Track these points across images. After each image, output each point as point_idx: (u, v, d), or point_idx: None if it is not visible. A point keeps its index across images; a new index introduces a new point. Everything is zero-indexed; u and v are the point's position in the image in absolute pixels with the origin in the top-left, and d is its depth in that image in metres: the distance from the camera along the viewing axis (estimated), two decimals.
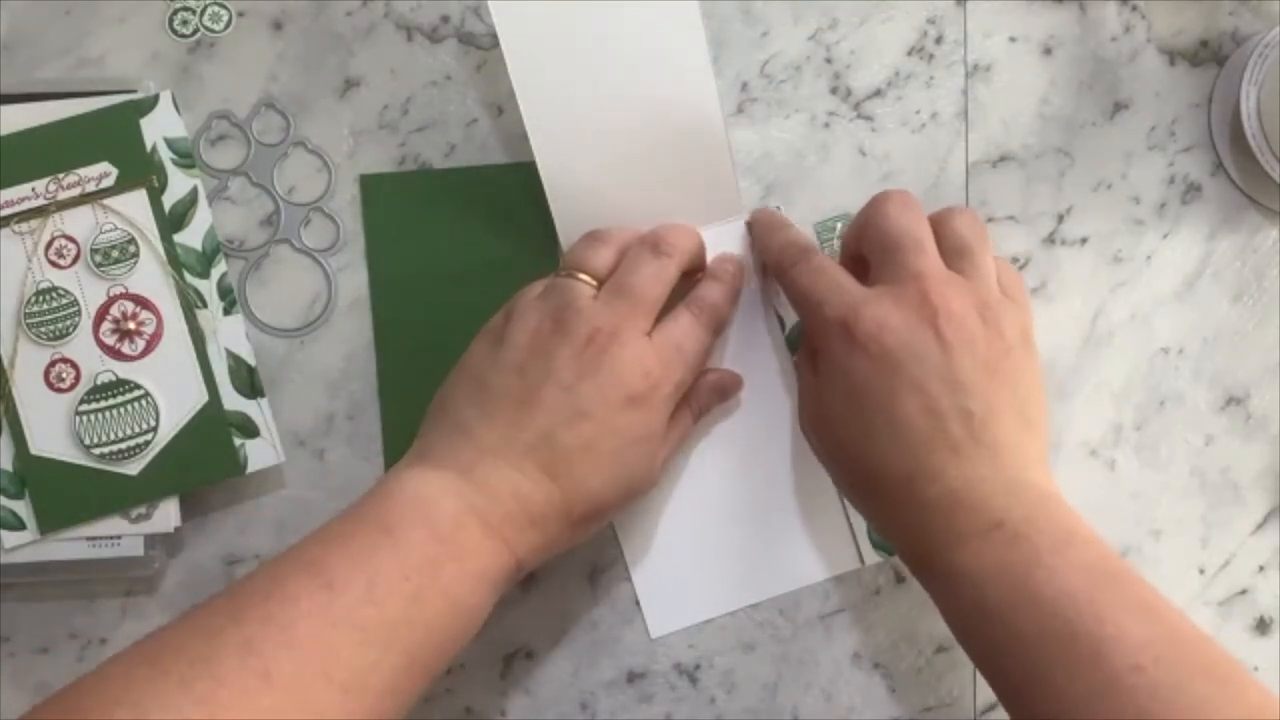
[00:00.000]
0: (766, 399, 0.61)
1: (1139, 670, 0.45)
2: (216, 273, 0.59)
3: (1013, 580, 0.47)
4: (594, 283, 0.54)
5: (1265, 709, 0.44)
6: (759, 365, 0.61)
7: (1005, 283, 0.54)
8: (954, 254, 0.53)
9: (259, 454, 0.59)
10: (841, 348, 0.52)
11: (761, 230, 0.60)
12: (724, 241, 0.61)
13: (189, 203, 0.59)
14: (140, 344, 0.58)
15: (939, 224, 0.54)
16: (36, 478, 0.57)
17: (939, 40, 0.63)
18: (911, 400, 0.50)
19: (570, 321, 0.52)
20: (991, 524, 0.48)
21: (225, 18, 0.61)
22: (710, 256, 0.59)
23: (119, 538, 0.58)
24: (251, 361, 0.59)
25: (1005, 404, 0.51)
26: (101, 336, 0.58)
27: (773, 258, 0.57)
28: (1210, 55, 0.63)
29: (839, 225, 0.62)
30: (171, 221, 0.59)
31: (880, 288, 0.52)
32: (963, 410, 0.50)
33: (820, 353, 0.53)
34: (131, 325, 0.58)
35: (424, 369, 0.61)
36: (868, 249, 0.54)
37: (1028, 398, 0.52)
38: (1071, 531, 0.49)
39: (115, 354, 0.58)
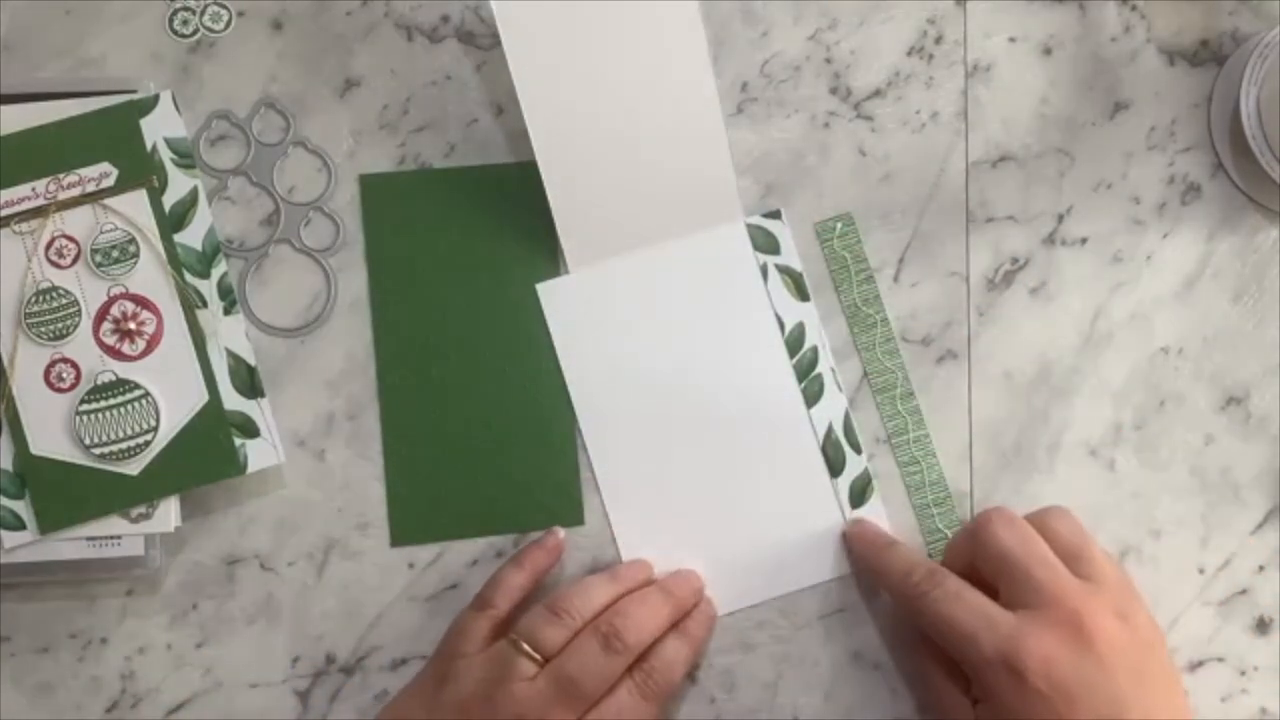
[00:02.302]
0: (765, 401, 0.61)
1: None
2: (216, 273, 0.59)
3: None
4: (539, 659, 0.55)
5: None
6: (757, 370, 0.61)
7: (1116, 575, 0.55)
8: (1070, 557, 0.54)
9: (259, 454, 0.59)
10: (1012, 690, 0.52)
11: (869, 550, 0.59)
12: (724, 243, 0.61)
13: (189, 203, 0.59)
14: (140, 344, 0.58)
15: (1043, 530, 0.55)
16: (36, 478, 0.57)
17: (939, 40, 0.63)
18: None
19: (499, 702, 0.53)
20: None
21: (225, 18, 0.61)
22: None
23: (119, 538, 0.58)
24: (252, 361, 0.59)
25: (1159, 704, 0.52)
26: (102, 336, 0.58)
27: (894, 584, 0.57)
28: (1210, 55, 0.63)
29: (839, 225, 0.62)
30: (171, 221, 0.59)
31: (1026, 613, 0.53)
32: None
33: (983, 689, 0.53)
34: (132, 325, 0.58)
35: (424, 369, 0.61)
36: (988, 573, 0.55)
37: (1172, 691, 0.54)
38: None
39: (115, 354, 0.58)
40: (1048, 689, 0.51)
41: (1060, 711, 0.51)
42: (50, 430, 0.57)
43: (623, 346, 0.61)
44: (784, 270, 0.62)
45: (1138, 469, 0.62)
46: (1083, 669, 0.51)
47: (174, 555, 0.60)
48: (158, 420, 0.58)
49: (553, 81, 0.59)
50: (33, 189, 0.58)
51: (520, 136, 0.60)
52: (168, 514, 0.58)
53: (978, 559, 0.55)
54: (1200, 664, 0.62)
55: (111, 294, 0.58)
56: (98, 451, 0.57)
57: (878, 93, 0.63)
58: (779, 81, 0.62)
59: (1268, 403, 0.62)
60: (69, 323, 0.58)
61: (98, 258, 0.58)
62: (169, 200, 0.59)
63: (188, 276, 0.59)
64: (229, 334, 0.59)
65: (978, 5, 0.63)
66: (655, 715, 0.56)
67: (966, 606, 0.54)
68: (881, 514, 0.61)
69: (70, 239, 0.58)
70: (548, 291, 0.61)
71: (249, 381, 0.59)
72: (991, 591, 0.54)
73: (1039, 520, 0.56)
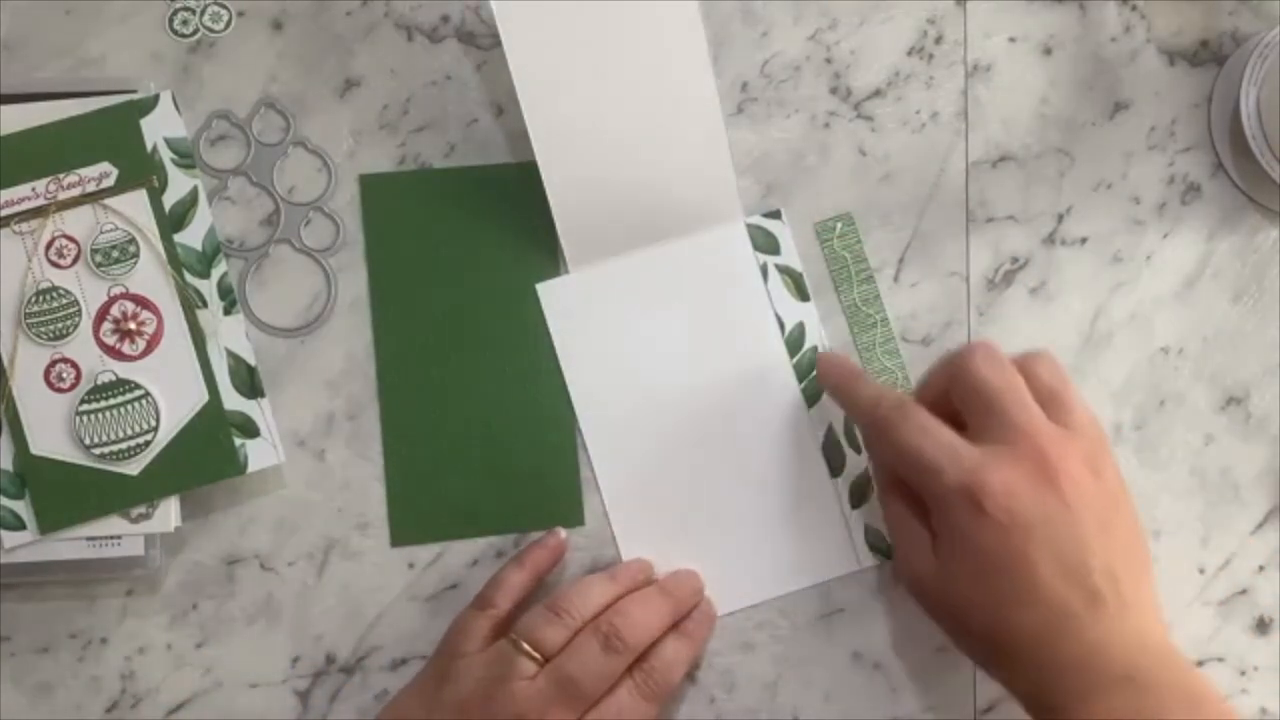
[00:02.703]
0: (764, 402, 0.61)
1: None
2: (217, 273, 0.59)
3: None
4: (539, 658, 0.54)
5: None
6: (758, 368, 0.61)
7: (1090, 422, 0.54)
8: (1047, 401, 0.53)
9: (259, 454, 0.59)
10: (970, 519, 0.51)
11: (839, 382, 0.58)
12: (724, 243, 0.61)
13: (189, 203, 0.59)
14: (140, 344, 0.58)
15: (1025, 373, 0.54)
16: (36, 478, 0.57)
17: (939, 40, 0.63)
18: (1045, 565, 0.50)
19: (499, 701, 0.53)
20: (1123, 677, 0.49)
21: (225, 18, 0.61)
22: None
23: (119, 538, 0.58)
24: (252, 361, 0.59)
25: (1123, 555, 0.51)
26: (102, 336, 0.58)
27: (863, 414, 0.56)
28: (1210, 55, 0.63)
29: (839, 225, 0.62)
30: (172, 221, 0.59)
31: (992, 447, 0.52)
32: (1090, 569, 0.50)
33: (942, 521, 0.52)
34: (132, 325, 0.58)
35: (424, 369, 0.61)
36: (962, 404, 0.54)
37: (1137, 545, 0.53)
38: (1200, 692, 0.50)
39: (115, 354, 0.58)
40: (1006, 519, 0.50)
41: (1016, 543, 0.50)
42: (50, 430, 0.57)
43: (623, 346, 0.61)
44: (784, 270, 0.62)
45: (1138, 469, 0.62)
46: (1044, 504, 0.50)
47: (174, 555, 0.60)
48: (158, 420, 0.58)
49: (553, 81, 0.59)
50: (33, 189, 0.58)
51: (520, 136, 0.60)
52: (168, 514, 0.58)
53: (953, 389, 0.54)
54: (1200, 664, 0.62)
55: (111, 294, 0.58)
56: (98, 451, 0.57)
57: (878, 93, 0.63)
58: (779, 81, 0.62)
59: (1268, 403, 0.62)
60: (69, 323, 0.58)
61: (98, 258, 0.58)
62: (169, 200, 0.59)
63: (188, 276, 0.59)
64: (229, 334, 0.59)
65: (978, 5, 0.63)
66: (655, 715, 0.56)
67: (933, 439, 0.53)
68: (878, 494, 0.61)
69: (70, 239, 0.58)
70: (548, 291, 0.61)
71: (249, 381, 0.59)
72: (961, 426, 0.53)
73: (1022, 361, 0.54)
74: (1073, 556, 0.50)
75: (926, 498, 0.53)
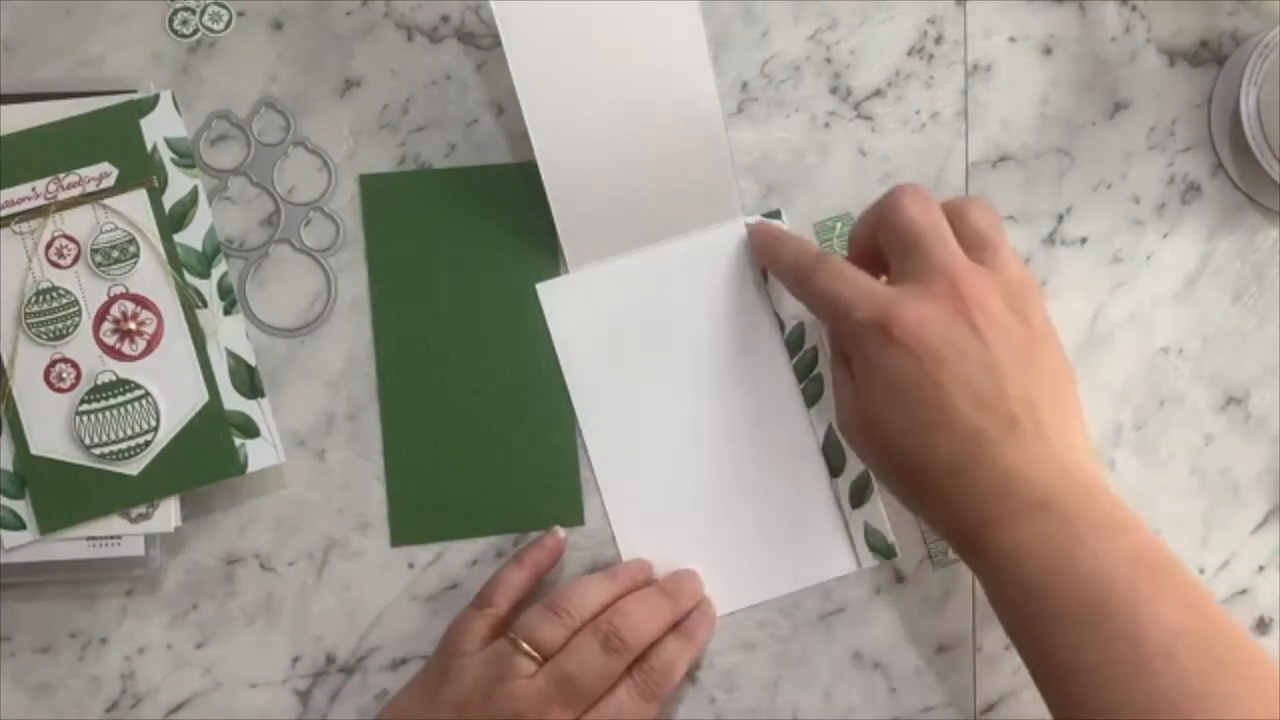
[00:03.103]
0: (764, 402, 0.61)
1: (1171, 657, 0.45)
2: (217, 273, 0.59)
3: (1056, 559, 0.48)
4: (538, 658, 0.55)
5: None
6: (758, 368, 0.61)
7: (1021, 273, 0.54)
8: (973, 245, 0.53)
9: (259, 454, 0.59)
10: (879, 348, 0.51)
11: (765, 243, 0.59)
12: (724, 243, 0.61)
13: (189, 203, 0.59)
14: (140, 344, 0.58)
15: (954, 215, 0.54)
16: (36, 478, 0.57)
17: (939, 40, 0.63)
18: (958, 391, 0.50)
19: (498, 700, 0.53)
20: (1039, 503, 0.49)
21: (225, 18, 0.61)
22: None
23: (119, 538, 0.58)
24: (252, 361, 0.59)
25: (1045, 390, 0.51)
26: (102, 336, 0.58)
27: (786, 269, 0.57)
28: (1210, 55, 0.63)
29: (839, 225, 0.62)
30: (172, 221, 0.59)
31: (907, 285, 0.52)
32: (1006, 397, 0.50)
33: (856, 356, 0.53)
34: (132, 325, 0.58)
35: (424, 369, 0.61)
36: (886, 245, 0.54)
37: (1062, 383, 0.53)
38: (1119, 520, 0.49)
39: (115, 354, 0.58)
40: (917, 348, 0.50)
41: (929, 370, 0.50)
42: (50, 430, 0.57)
43: (623, 346, 0.61)
44: None
45: (1138, 469, 0.62)
46: (957, 335, 0.51)
47: (174, 555, 0.60)
48: (158, 420, 0.58)
49: (553, 81, 0.59)
50: (33, 189, 0.58)
51: (520, 136, 0.60)
52: (168, 514, 0.58)
53: (879, 232, 0.54)
54: None
55: (111, 294, 0.58)
56: (98, 451, 0.57)
57: (878, 93, 0.63)
58: (779, 81, 0.62)
59: (1268, 403, 0.62)
60: (69, 323, 0.58)
61: (98, 258, 0.58)
62: (169, 200, 0.59)
63: (188, 276, 0.59)
64: (229, 334, 0.59)
65: (978, 5, 0.63)
66: (654, 715, 0.56)
67: (849, 281, 0.53)
68: (883, 515, 0.61)
69: (70, 239, 0.58)
70: (548, 291, 0.61)
71: (249, 381, 0.59)
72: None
73: (955, 205, 0.54)
74: (986, 385, 0.50)
75: (845, 340, 0.54)
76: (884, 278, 0.54)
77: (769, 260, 0.59)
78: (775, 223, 0.61)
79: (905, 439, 0.52)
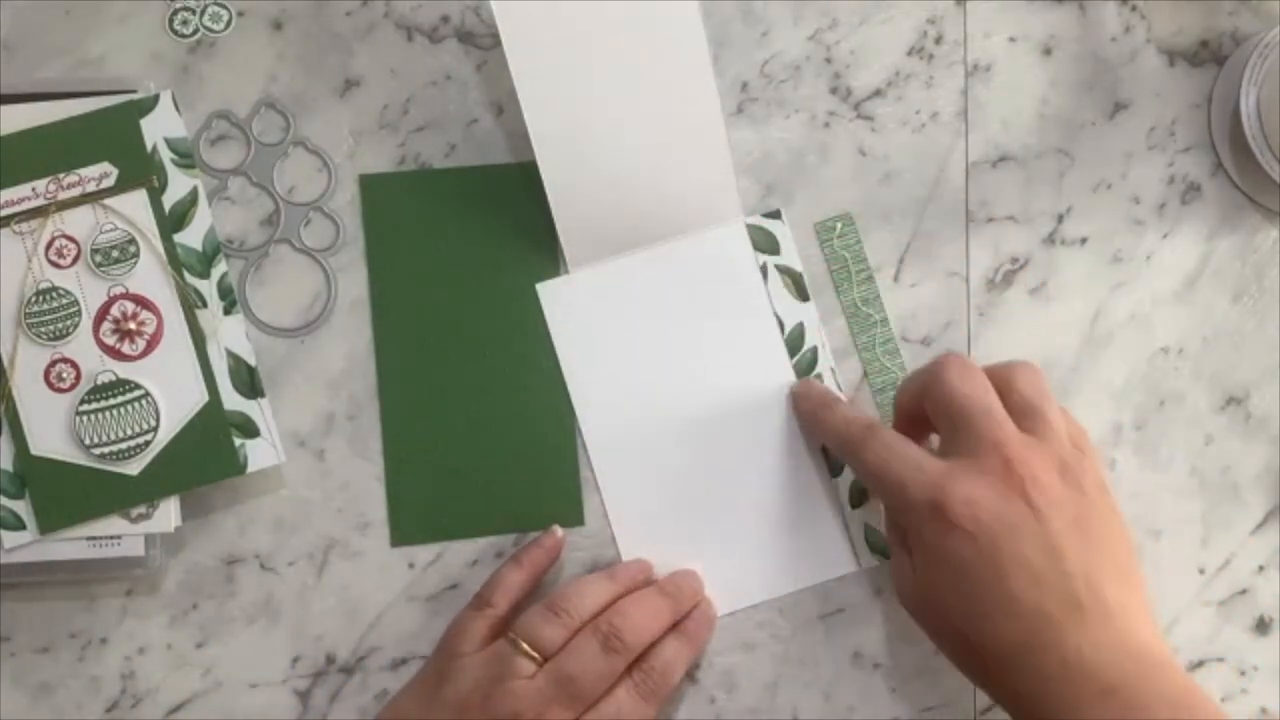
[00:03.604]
0: (763, 404, 0.61)
1: None
2: (216, 273, 0.59)
3: None
4: (537, 658, 0.55)
5: None
6: (757, 370, 0.61)
7: (1073, 435, 0.53)
8: (1022, 414, 0.52)
9: (259, 454, 0.59)
10: (936, 530, 0.50)
11: (811, 410, 0.59)
12: (724, 243, 0.61)
13: (189, 203, 0.59)
14: (140, 344, 0.58)
15: (1001, 383, 0.53)
16: (36, 478, 0.57)
17: (939, 40, 0.63)
18: (1016, 573, 0.49)
19: (497, 700, 0.53)
20: (1108, 689, 0.48)
21: (225, 18, 0.61)
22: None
23: (119, 538, 0.58)
24: (252, 361, 0.59)
25: (1103, 563, 0.50)
26: (102, 336, 0.58)
27: (834, 438, 0.57)
28: (1210, 55, 0.63)
29: (839, 225, 0.62)
30: (172, 221, 0.59)
31: (959, 460, 0.51)
32: (1067, 575, 0.49)
33: (912, 535, 0.52)
34: (132, 325, 0.58)
35: (424, 369, 0.61)
36: (934, 416, 0.54)
37: (1121, 553, 0.52)
38: (1185, 701, 0.48)
39: (115, 354, 0.58)
40: (973, 528, 0.49)
41: (986, 552, 0.49)
42: (50, 430, 0.57)
43: (623, 346, 0.61)
44: (784, 270, 0.62)
45: (1138, 469, 0.62)
46: (1009, 513, 0.50)
47: (174, 555, 0.60)
48: (158, 420, 0.58)
49: (553, 81, 0.59)
50: (33, 189, 0.58)
51: (520, 136, 0.60)
52: (168, 514, 0.58)
53: (926, 403, 0.54)
54: (1200, 664, 0.62)
55: (111, 294, 0.58)
56: (98, 451, 0.57)
57: (878, 93, 0.63)
58: (779, 81, 0.62)
59: (1268, 403, 0.62)
60: (69, 323, 0.58)
61: (98, 258, 0.58)
62: (169, 200, 0.59)
63: (188, 276, 0.59)
64: (229, 334, 0.59)
65: (978, 5, 0.63)
66: (654, 715, 0.56)
67: (899, 455, 0.52)
68: (883, 515, 0.61)
69: (70, 239, 0.58)
70: (548, 291, 0.61)
71: (249, 381, 0.59)
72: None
73: (1002, 372, 0.54)
74: (1045, 563, 0.49)
75: (899, 518, 0.53)
76: (934, 437, 0.54)
77: (815, 427, 0.59)
78: (820, 386, 0.60)
79: (967, 621, 0.51)
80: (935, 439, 0.56)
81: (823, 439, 0.59)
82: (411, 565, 0.61)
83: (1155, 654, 0.50)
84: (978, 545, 0.50)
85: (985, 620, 0.50)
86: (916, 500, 0.51)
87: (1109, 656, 0.49)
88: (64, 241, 0.58)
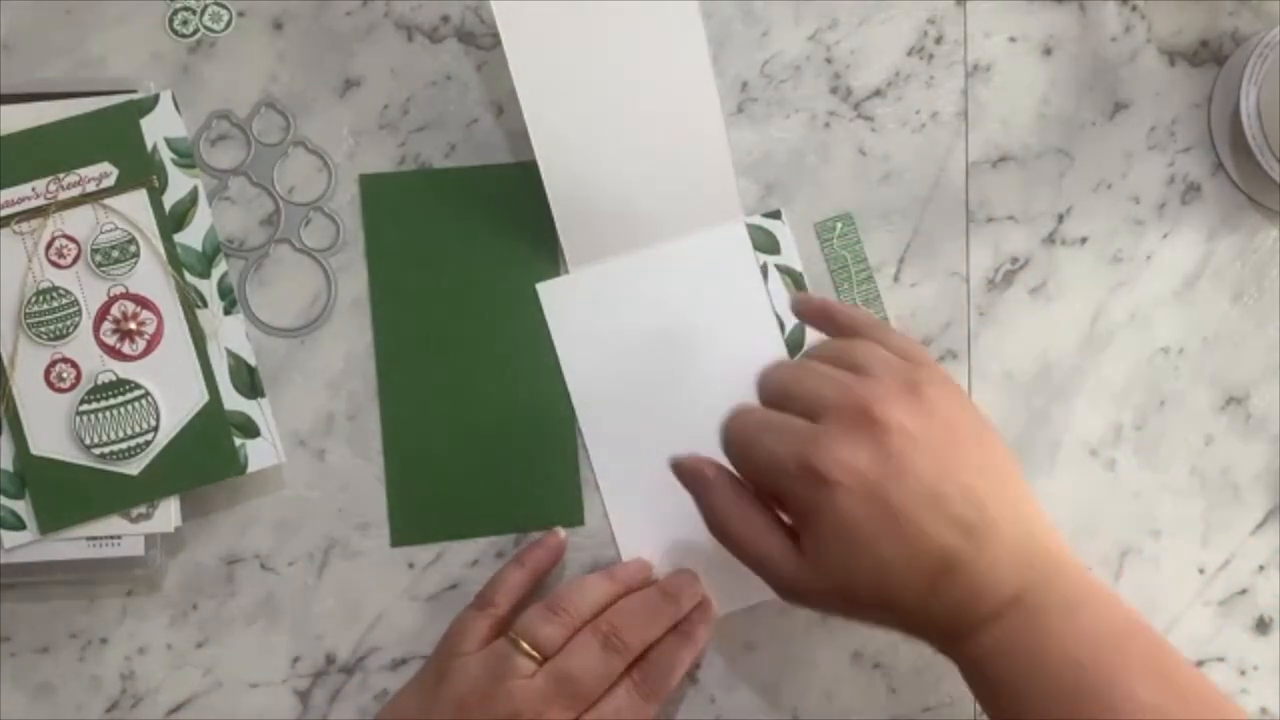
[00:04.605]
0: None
1: None
2: (217, 273, 0.59)
3: (1027, 653, 0.48)
4: (537, 657, 0.54)
5: None
6: (758, 368, 0.61)
7: (904, 351, 0.52)
8: (852, 367, 0.51)
9: (259, 454, 0.59)
10: (821, 496, 0.49)
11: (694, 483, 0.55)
12: (724, 243, 0.61)
13: (189, 203, 0.59)
14: (140, 344, 0.58)
15: (817, 355, 0.53)
16: (36, 478, 0.57)
17: (939, 40, 0.63)
18: (903, 512, 0.49)
19: (497, 700, 0.53)
20: (1007, 602, 0.49)
21: (225, 18, 0.61)
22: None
23: (119, 538, 0.58)
24: (252, 361, 0.59)
25: (975, 475, 0.50)
26: (102, 336, 0.58)
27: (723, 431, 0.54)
28: (1210, 55, 0.63)
29: (839, 225, 0.62)
30: (172, 221, 0.59)
31: (822, 423, 0.50)
32: (944, 503, 0.49)
33: (800, 513, 0.51)
34: (132, 325, 0.58)
35: (424, 369, 0.61)
36: (791, 412, 0.52)
37: (989, 454, 0.51)
38: (1083, 596, 0.49)
39: (115, 354, 0.58)
40: (850, 480, 0.48)
41: (870, 500, 0.48)
42: (50, 430, 0.57)
43: (623, 346, 0.61)
44: (784, 270, 0.62)
45: (1138, 469, 0.62)
46: (876, 456, 0.49)
47: (174, 555, 0.60)
48: (158, 420, 0.58)
49: (553, 81, 0.59)
50: (33, 189, 0.58)
51: (520, 136, 0.60)
52: (168, 514, 0.58)
53: (782, 406, 0.52)
54: (1200, 664, 0.62)
55: (111, 294, 0.58)
56: (98, 451, 0.57)
57: (878, 93, 0.63)
58: (779, 81, 0.62)
59: (1268, 403, 0.62)
60: (69, 323, 0.58)
61: (98, 258, 0.58)
62: (169, 200, 0.59)
63: (188, 276, 0.59)
64: (229, 334, 0.59)
65: (978, 5, 0.63)
66: (653, 715, 0.56)
67: (770, 428, 0.51)
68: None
69: (70, 239, 0.58)
70: (548, 291, 0.61)
71: (249, 381, 0.59)
72: None
73: (813, 351, 0.53)
74: (924, 499, 0.49)
75: (781, 496, 0.51)
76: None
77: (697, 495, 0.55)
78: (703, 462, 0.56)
79: (874, 577, 0.50)
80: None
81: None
82: (411, 565, 0.61)
83: (1049, 552, 0.50)
84: (857, 497, 0.49)
85: (890, 569, 0.49)
86: (793, 468, 0.49)
87: (1008, 571, 0.49)
88: (64, 241, 0.58)
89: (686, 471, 0.54)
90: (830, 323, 0.55)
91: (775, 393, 0.52)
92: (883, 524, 0.49)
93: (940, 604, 0.49)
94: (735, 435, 0.52)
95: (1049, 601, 0.48)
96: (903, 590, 0.49)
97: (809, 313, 0.56)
